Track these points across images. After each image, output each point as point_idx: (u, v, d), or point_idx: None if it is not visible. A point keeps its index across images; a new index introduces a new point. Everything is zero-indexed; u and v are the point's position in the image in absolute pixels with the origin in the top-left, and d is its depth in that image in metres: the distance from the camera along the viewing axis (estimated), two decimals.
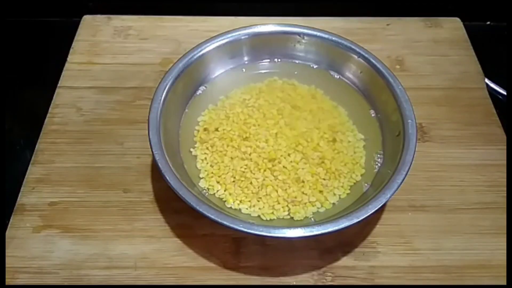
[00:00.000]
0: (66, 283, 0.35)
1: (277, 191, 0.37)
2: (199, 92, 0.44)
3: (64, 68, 0.48)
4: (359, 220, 0.32)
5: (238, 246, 0.37)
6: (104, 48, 0.50)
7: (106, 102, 0.46)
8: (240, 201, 0.37)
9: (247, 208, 0.37)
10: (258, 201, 0.37)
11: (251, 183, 0.38)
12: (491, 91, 0.47)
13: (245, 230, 0.32)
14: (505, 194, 0.40)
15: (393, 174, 0.35)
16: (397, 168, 0.35)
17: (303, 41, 0.44)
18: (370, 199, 0.34)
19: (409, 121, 0.37)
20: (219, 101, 0.43)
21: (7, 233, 0.37)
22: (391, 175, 0.35)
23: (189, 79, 0.42)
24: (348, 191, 0.38)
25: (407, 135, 0.37)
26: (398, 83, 0.40)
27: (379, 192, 0.34)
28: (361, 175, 0.38)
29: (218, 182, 0.38)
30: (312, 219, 0.36)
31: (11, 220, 0.38)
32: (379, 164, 0.39)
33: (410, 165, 0.35)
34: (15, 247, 0.36)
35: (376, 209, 0.33)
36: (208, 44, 0.43)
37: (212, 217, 0.32)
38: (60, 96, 0.46)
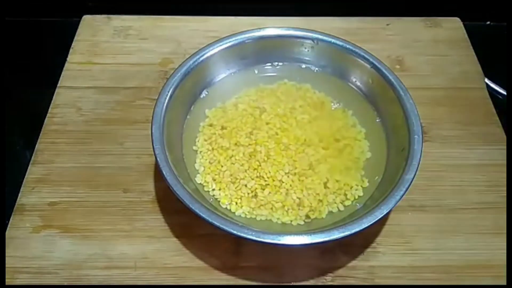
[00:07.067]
0: (66, 283, 0.35)
1: (274, 196, 0.37)
2: (208, 90, 0.44)
3: (64, 68, 0.48)
4: (352, 232, 0.32)
5: (238, 246, 0.37)
6: (104, 48, 0.50)
7: (106, 102, 0.46)
8: (236, 203, 0.37)
9: (243, 212, 0.36)
10: (255, 207, 0.37)
11: (246, 185, 0.37)
12: (491, 91, 0.47)
13: (253, 238, 0.32)
14: (505, 194, 0.40)
15: (395, 187, 0.34)
16: (397, 184, 0.35)
17: (315, 46, 0.44)
18: (371, 209, 0.33)
19: (416, 136, 0.37)
20: (228, 100, 0.43)
21: (7, 233, 0.37)
22: (391, 188, 0.34)
23: (198, 77, 0.42)
24: (348, 203, 0.37)
25: (412, 150, 0.36)
26: (409, 96, 0.39)
27: (376, 206, 0.34)
28: (363, 188, 0.38)
29: (214, 180, 0.38)
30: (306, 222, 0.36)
31: (11, 220, 0.38)
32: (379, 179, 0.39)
33: (411, 183, 0.34)
34: (15, 247, 0.36)
35: (371, 223, 0.32)
36: (220, 44, 0.43)
37: (211, 220, 0.32)
38: (60, 96, 0.46)
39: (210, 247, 0.37)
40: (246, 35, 0.44)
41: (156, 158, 0.35)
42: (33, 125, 0.44)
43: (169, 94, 0.39)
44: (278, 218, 0.36)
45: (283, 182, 0.38)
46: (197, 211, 0.33)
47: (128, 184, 0.40)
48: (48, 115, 0.44)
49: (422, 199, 0.39)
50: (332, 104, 0.43)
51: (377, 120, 0.42)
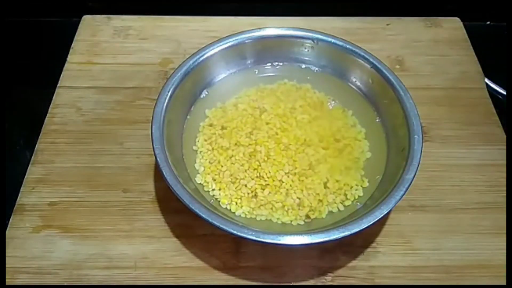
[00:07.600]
0: (66, 283, 0.35)
1: (274, 196, 0.37)
2: (208, 90, 0.43)
3: (64, 68, 0.48)
4: (350, 233, 0.32)
5: (238, 246, 0.37)
6: (104, 48, 0.50)
7: (106, 102, 0.46)
8: (236, 203, 0.37)
9: (243, 212, 0.37)
10: (255, 207, 0.37)
11: (246, 185, 0.37)
12: (491, 91, 0.47)
13: (253, 238, 0.32)
14: (505, 194, 0.40)
15: (394, 187, 0.34)
16: (397, 184, 0.35)
17: (315, 46, 0.44)
18: (369, 211, 0.33)
19: (416, 136, 0.37)
20: (228, 100, 0.43)
21: (7, 233, 0.37)
22: (391, 187, 0.34)
23: (198, 77, 0.42)
24: (348, 203, 0.37)
25: (412, 150, 0.36)
26: (409, 96, 0.39)
27: (375, 207, 0.33)
28: (363, 188, 0.38)
29: (214, 180, 0.38)
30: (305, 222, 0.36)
31: (11, 220, 0.38)
32: (379, 177, 0.39)
33: (411, 183, 0.34)
34: (15, 247, 0.36)
35: (369, 223, 0.32)
36: (220, 44, 0.43)
37: (211, 220, 0.32)
38: (60, 96, 0.46)
39: (210, 247, 0.37)
40: (246, 35, 0.44)
41: (156, 158, 0.35)
42: (33, 125, 0.44)
43: (169, 94, 0.39)
44: (278, 218, 0.36)
45: (283, 182, 0.38)
46: (197, 211, 0.33)
47: (128, 184, 0.40)
48: (48, 115, 0.44)
49: (422, 199, 0.39)
50: (332, 104, 0.43)
51: (377, 120, 0.42)
